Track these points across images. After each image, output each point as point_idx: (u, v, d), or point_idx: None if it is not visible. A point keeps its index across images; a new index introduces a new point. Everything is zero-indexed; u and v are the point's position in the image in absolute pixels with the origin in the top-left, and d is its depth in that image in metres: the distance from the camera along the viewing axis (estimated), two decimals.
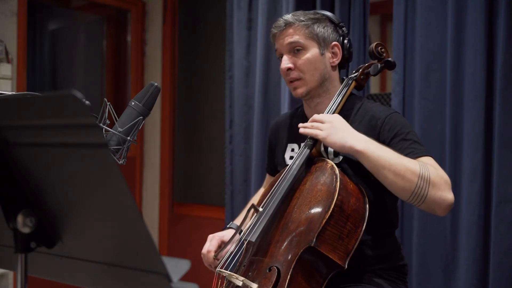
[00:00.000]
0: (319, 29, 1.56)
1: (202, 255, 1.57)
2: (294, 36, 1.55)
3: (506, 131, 1.82)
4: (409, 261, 2.01)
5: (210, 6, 3.34)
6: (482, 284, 1.90)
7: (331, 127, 1.40)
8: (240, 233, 1.49)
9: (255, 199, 1.75)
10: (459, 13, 1.96)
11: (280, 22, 1.57)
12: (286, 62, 1.56)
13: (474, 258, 1.90)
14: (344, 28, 1.62)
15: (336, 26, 1.60)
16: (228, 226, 1.66)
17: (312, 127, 1.44)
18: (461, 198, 1.95)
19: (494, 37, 1.89)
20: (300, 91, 1.57)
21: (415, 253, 2.06)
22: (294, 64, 1.55)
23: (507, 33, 1.82)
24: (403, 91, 2.12)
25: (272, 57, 2.59)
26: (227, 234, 1.59)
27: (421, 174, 1.33)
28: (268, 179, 1.84)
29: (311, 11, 1.61)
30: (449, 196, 1.36)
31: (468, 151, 1.93)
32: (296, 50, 1.55)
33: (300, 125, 1.47)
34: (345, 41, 1.60)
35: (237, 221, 1.67)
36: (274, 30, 1.59)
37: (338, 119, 1.42)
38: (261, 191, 1.83)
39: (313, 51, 1.55)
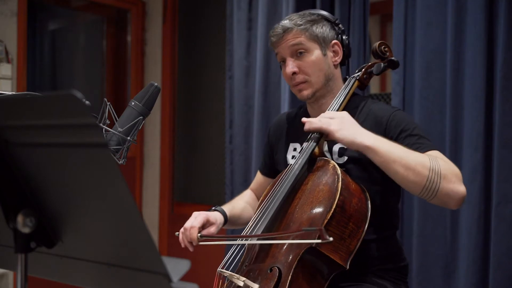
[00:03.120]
0: (318, 29, 1.55)
1: (183, 229, 1.48)
2: (296, 39, 1.54)
3: (506, 131, 1.82)
4: (409, 261, 2.01)
5: (210, 6, 3.34)
6: (482, 284, 1.90)
7: (340, 122, 1.39)
8: (224, 218, 1.54)
9: (237, 201, 1.74)
10: (459, 13, 1.96)
11: (278, 29, 1.56)
12: (290, 66, 1.54)
13: (474, 258, 1.90)
14: (340, 25, 1.61)
15: (332, 24, 1.59)
16: (213, 208, 1.60)
17: (320, 122, 1.41)
18: None
19: (494, 37, 1.89)
20: (306, 93, 1.55)
21: (415, 253, 2.06)
22: (299, 67, 1.54)
23: (507, 33, 1.82)
24: (403, 91, 2.12)
25: (272, 57, 2.59)
26: (212, 214, 1.54)
27: (432, 167, 1.32)
28: (258, 179, 1.80)
29: (306, 12, 1.59)
30: (461, 188, 1.34)
31: (468, 151, 1.93)
32: (299, 53, 1.54)
33: (305, 119, 1.44)
34: (344, 38, 1.60)
35: (224, 207, 1.63)
36: (273, 39, 1.57)
37: (347, 116, 1.41)
38: (246, 193, 1.81)
39: (316, 53, 1.55)
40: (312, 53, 1.54)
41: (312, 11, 1.61)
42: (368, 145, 1.34)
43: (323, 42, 1.56)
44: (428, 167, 1.32)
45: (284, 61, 1.58)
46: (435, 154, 1.40)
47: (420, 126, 1.50)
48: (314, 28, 1.55)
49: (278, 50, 1.58)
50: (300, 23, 1.54)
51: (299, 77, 1.54)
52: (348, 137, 1.36)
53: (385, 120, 1.48)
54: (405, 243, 2.11)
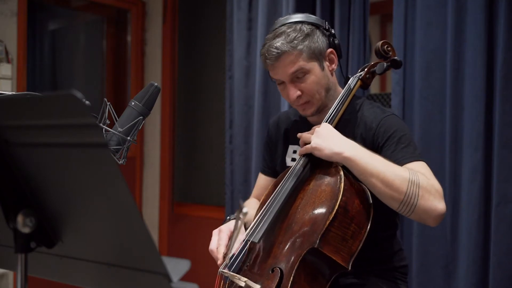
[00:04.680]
0: (313, 44, 1.48)
1: (210, 251, 1.47)
2: (296, 64, 1.46)
3: (506, 131, 1.82)
4: (409, 261, 2.01)
5: (210, 6, 3.34)
6: (482, 284, 1.90)
7: (317, 137, 1.38)
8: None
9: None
10: (459, 13, 1.96)
11: (273, 52, 1.46)
12: (294, 91, 1.49)
13: (474, 258, 1.90)
14: (328, 27, 1.54)
15: (323, 30, 1.52)
16: (229, 218, 1.60)
17: (302, 142, 1.43)
18: (461, 198, 1.95)
19: (494, 37, 1.89)
20: (310, 111, 1.54)
21: (415, 253, 2.06)
22: (301, 90, 1.49)
23: (507, 33, 1.82)
24: (403, 91, 2.12)
25: None
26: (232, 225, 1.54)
27: (411, 183, 1.29)
28: (260, 180, 1.79)
29: (298, 23, 1.49)
30: (439, 205, 1.31)
31: (468, 151, 1.93)
32: (298, 75, 1.49)
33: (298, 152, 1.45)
34: (336, 42, 1.55)
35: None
36: (268, 62, 1.49)
37: (325, 128, 1.40)
38: (251, 201, 1.76)
39: (315, 71, 1.49)
40: (312, 72, 1.49)
41: (302, 19, 1.51)
42: (346, 156, 1.33)
43: (320, 56, 1.50)
44: (407, 183, 1.29)
45: (280, 80, 1.53)
46: (418, 167, 1.36)
47: (410, 135, 1.46)
48: (311, 44, 1.47)
49: (274, 73, 1.51)
50: (296, 42, 1.45)
51: (303, 99, 1.51)
52: (324, 151, 1.36)
53: (374, 126, 1.46)
54: (405, 243, 2.10)
